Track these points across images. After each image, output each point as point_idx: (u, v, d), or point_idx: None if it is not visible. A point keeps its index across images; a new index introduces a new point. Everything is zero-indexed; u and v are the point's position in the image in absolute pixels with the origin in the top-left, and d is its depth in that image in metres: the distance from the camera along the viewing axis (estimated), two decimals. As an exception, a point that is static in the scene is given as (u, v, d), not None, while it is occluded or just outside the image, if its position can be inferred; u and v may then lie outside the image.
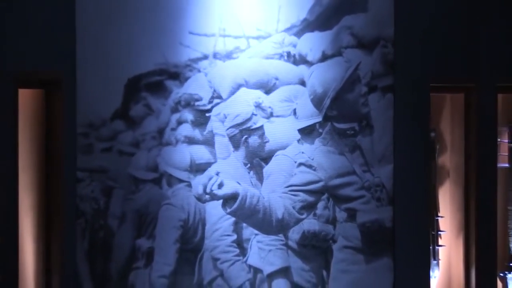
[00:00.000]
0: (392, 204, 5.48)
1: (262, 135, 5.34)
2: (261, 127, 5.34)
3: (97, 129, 5.20)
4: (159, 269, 5.27)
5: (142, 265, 5.26)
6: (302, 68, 5.43)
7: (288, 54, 5.41)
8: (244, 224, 5.31)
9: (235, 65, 5.35)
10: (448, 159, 5.97)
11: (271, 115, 5.37)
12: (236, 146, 5.33)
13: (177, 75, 5.29)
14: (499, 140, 5.83)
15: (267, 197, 5.23)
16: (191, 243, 5.31)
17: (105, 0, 5.24)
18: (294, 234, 5.36)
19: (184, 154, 5.31)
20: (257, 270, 5.35)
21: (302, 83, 5.41)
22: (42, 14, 5.05)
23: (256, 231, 5.30)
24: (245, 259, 5.33)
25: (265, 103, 5.35)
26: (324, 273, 5.44)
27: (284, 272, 5.36)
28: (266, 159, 5.38)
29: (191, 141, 5.31)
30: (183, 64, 5.29)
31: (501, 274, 5.85)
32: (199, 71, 5.31)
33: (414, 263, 5.60)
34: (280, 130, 5.39)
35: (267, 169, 5.37)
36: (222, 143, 5.35)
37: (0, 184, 4.94)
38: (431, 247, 5.76)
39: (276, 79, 5.39)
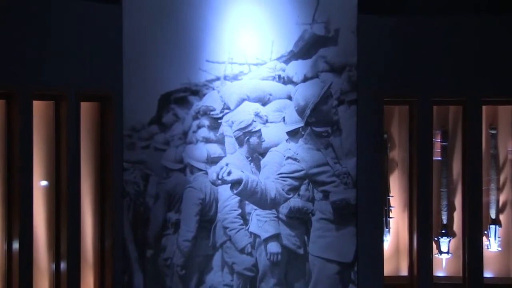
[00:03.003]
0: (356, 187, 5.90)
1: (259, 136, 5.85)
2: (259, 130, 5.85)
3: (138, 131, 5.75)
4: (184, 235, 5.81)
5: (171, 232, 5.81)
6: (289, 87, 5.90)
7: (279, 76, 5.89)
8: (247, 202, 5.81)
9: (240, 84, 5.86)
10: (397, 154, 6.38)
11: (267, 121, 5.86)
12: (240, 144, 5.85)
13: (197, 92, 5.82)
14: (434, 140, 6.20)
15: (264, 182, 5.73)
16: (207, 216, 5.84)
17: (144, 38, 5.74)
18: (284, 209, 5.85)
19: (202, 150, 5.83)
20: (256, 236, 5.86)
21: (289, 98, 5.89)
22: (98, 47, 5.56)
23: (255, 207, 5.81)
24: (247, 227, 5.84)
25: (262, 112, 5.86)
26: (306, 238, 5.90)
27: (276, 237, 5.85)
28: (263, 154, 5.87)
29: (207, 140, 5.83)
30: (202, 84, 5.83)
31: (436, 238, 6.27)
32: (213, 89, 5.85)
33: (372, 230, 6.04)
34: (273, 133, 5.88)
35: (263, 161, 5.86)
36: (230, 142, 5.86)
37: (67, 172, 5.42)
38: (384, 219, 6.23)
39: (270, 95, 5.89)
